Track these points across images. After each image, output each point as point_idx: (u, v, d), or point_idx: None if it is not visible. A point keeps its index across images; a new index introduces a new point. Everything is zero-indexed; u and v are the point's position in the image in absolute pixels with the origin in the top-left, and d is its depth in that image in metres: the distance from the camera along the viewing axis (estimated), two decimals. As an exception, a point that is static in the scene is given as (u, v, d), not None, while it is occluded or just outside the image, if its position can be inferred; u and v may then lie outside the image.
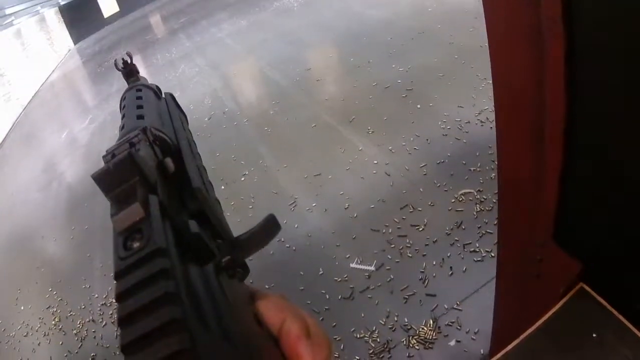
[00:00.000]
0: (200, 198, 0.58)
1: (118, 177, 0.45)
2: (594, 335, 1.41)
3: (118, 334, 0.35)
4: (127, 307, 0.36)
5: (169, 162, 0.56)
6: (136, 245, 0.41)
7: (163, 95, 0.92)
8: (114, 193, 0.45)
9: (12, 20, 16.98)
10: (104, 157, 0.52)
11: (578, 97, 1.25)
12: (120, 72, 0.96)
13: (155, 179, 0.49)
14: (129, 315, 0.36)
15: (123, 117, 0.76)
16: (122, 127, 0.71)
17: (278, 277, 3.80)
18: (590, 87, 1.22)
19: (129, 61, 0.96)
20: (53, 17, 23.64)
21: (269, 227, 0.61)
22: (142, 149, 0.55)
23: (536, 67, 1.31)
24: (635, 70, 1.09)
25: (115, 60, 0.96)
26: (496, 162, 1.73)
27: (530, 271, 1.70)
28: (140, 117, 0.74)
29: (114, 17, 26.85)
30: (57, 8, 24.46)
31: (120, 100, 0.85)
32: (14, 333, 4.85)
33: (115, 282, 0.39)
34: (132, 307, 0.36)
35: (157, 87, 0.95)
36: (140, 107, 0.78)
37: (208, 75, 9.62)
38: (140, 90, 0.87)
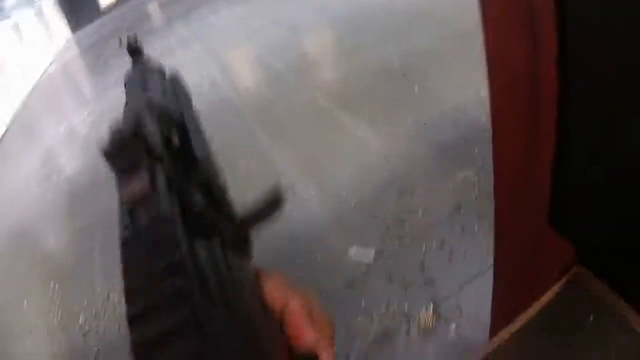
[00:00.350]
0: (204, 171, 0.60)
1: (124, 149, 0.46)
2: (591, 318, 1.42)
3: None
4: (133, 278, 0.38)
5: (174, 133, 0.57)
6: (142, 214, 0.42)
7: (168, 75, 0.93)
8: (120, 165, 0.47)
9: (10, 13, 16.99)
10: (109, 127, 0.52)
11: (572, 84, 1.25)
12: (122, 57, 0.98)
13: (161, 150, 0.49)
14: (135, 287, 0.37)
15: (127, 92, 0.78)
16: (127, 103, 0.72)
17: (275, 265, 3.77)
18: (584, 73, 1.23)
19: (133, 41, 0.97)
20: (51, 8, 23.63)
21: (274, 200, 0.63)
22: (147, 121, 0.54)
23: (531, 54, 1.31)
24: (629, 57, 1.09)
25: (120, 39, 0.99)
26: (493, 146, 1.72)
27: (527, 256, 1.73)
28: (144, 89, 0.76)
29: (111, 6, 26.84)
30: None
31: (124, 80, 0.86)
32: (17, 329, 4.85)
33: (120, 250, 0.40)
34: (137, 278, 0.38)
35: (161, 65, 0.96)
36: (145, 81, 0.80)
37: (206, 62, 9.60)
38: (145, 71, 0.88)
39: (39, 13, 21.42)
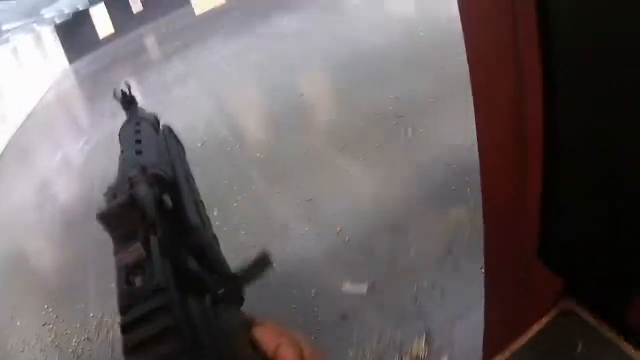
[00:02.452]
0: (198, 236, 0.63)
1: (120, 217, 0.52)
2: (579, 348, 1.47)
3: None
4: (132, 339, 0.43)
5: (167, 199, 0.62)
6: (138, 281, 0.47)
7: (161, 127, 0.96)
8: (117, 232, 0.52)
9: (8, 37, 16.96)
10: (104, 194, 0.58)
11: (557, 122, 1.32)
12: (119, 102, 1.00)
13: (154, 217, 0.55)
14: (134, 347, 0.42)
15: (122, 151, 0.81)
16: (122, 160, 0.77)
17: (270, 300, 3.80)
18: (568, 100, 1.29)
19: (127, 92, 0.99)
20: (49, 36, 23.56)
21: (262, 263, 0.66)
22: (141, 188, 0.60)
23: (515, 85, 1.37)
24: (616, 92, 1.16)
25: (114, 90, 0.99)
26: (484, 185, 1.80)
27: (517, 288, 1.76)
28: (138, 152, 0.78)
29: (109, 38, 26.80)
30: (52, 27, 24.41)
31: (119, 132, 0.90)
32: (10, 348, 4.86)
33: (120, 315, 0.45)
34: (136, 339, 0.42)
35: (155, 117, 0.99)
36: (138, 141, 0.83)
37: (201, 99, 9.66)
38: (138, 123, 0.91)
39: (38, 39, 21.37)
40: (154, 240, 0.51)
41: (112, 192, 0.59)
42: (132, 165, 0.70)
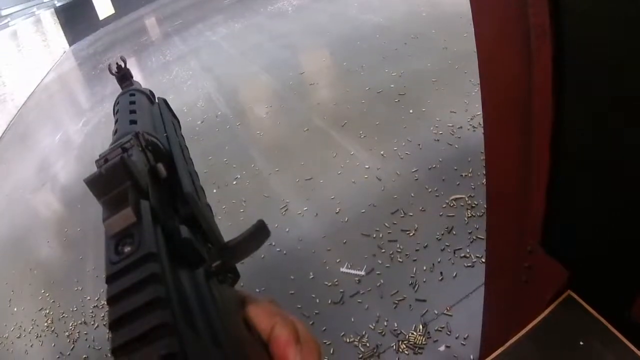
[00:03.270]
0: (191, 203, 0.59)
1: (110, 181, 0.46)
2: (581, 342, 1.41)
3: (109, 336, 0.36)
4: (118, 310, 0.37)
5: (160, 167, 0.57)
6: (127, 249, 0.42)
7: (156, 100, 0.93)
8: (106, 198, 0.46)
9: (8, 21, 16.96)
10: (96, 161, 0.53)
11: (565, 106, 1.26)
12: (114, 76, 0.97)
13: (146, 184, 0.49)
14: (120, 319, 0.37)
15: (116, 121, 0.77)
16: (115, 132, 0.72)
17: (268, 280, 3.80)
18: (577, 95, 1.23)
19: (122, 65, 0.96)
20: (49, 19, 23.60)
21: (259, 233, 0.61)
22: (134, 154, 0.56)
23: (525, 76, 1.31)
24: (621, 79, 1.10)
25: (109, 65, 0.97)
26: (486, 169, 1.74)
27: (519, 278, 1.70)
28: (133, 122, 0.75)
29: (109, 19, 26.82)
30: (52, 10, 24.42)
31: (114, 105, 0.86)
32: (7, 334, 4.84)
33: (106, 285, 0.39)
34: (122, 311, 0.37)
35: (150, 91, 0.95)
36: (133, 112, 0.79)
37: (202, 78, 9.63)
38: (133, 95, 0.87)
39: (37, 22, 21.40)
40: (145, 207, 0.45)
41: (103, 159, 0.54)
42: (126, 133, 0.66)
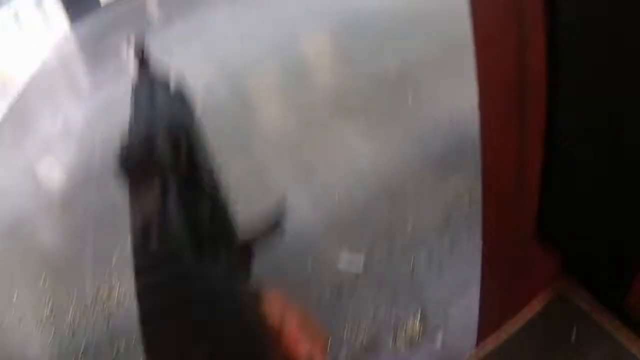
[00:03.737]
0: (210, 182, 0.60)
1: (139, 168, 0.48)
2: (574, 336, 1.43)
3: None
4: (150, 307, 0.38)
5: (182, 148, 0.60)
6: (154, 240, 0.43)
7: (175, 86, 0.94)
8: (135, 183, 0.47)
9: (9, 2, 16.96)
10: (121, 148, 0.55)
11: (560, 91, 1.27)
12: (126, 58, 0.99)
13: (171, 171, 0.51)
14: (151, 314, 0.38)
15: (134, 102, 0.79)
16: (133, 119, 0.74)
17: (265, 272, 3.81)
18: (572, 79, 1.24)
19: (142, 51, 0.98)
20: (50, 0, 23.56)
21: (276, 219, 0.63)
22: (158, 135, 0.57)
23: (519, 60, 1.32)
24: (618, 68, 1.11)
25: (128, 37, 0.99)
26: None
27: (514, 269, 1.73)
28: (152, 100, 0.77)
29: (110, 1, 26.75)
30: (53, -10, 24.37)
31: (134, 90, 0.88)
32: (6, 321, 4.86)
33: (135, 275, 0.40)
34: (155, 308, 0.38)
35: (168, 75, 0.97)
36: (152, 91, 0.81)
37: (203, 62, 9.59)
38: (152, 76, 0.89)
39: (39, 3, 21.38)
40: (171, 188, 0.46)
41: (129, 141, 0.55)
42: (150, 121, 0.68)
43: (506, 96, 1.45)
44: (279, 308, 0.57)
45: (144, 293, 0.36)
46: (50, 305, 4.74)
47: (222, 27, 11.41)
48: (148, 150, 0.43)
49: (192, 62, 9.80)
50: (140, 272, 0.36)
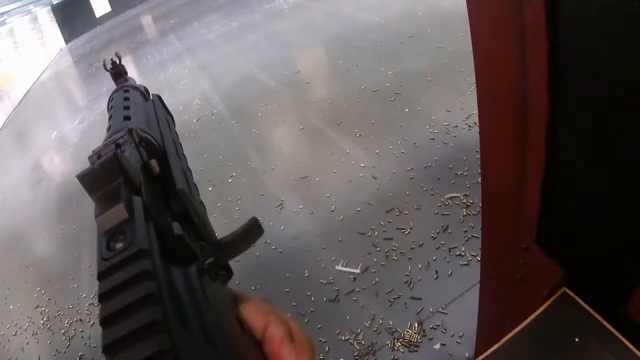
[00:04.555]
0: (184, 200, 0.57)
1: (103, 177, 0.46)
2: (577, 339, 1.41)
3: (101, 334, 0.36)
4: (109, 308, 0.37)
5: (153, 163, 0.57)
6: (119, 246, 0.41)
7: (150, 97, 0.93)
8: (99, 193, 0.46)
9: (5, 19, 16.96)
10: (89, 157, 0.53)
11: (561, 105, 1.26)
12: (109, 73, 0.97)
13: (139, 180, 0.49)
14: (111, 316, 0.36)
15: (110, 117, 0.77)
16: (109, 128, 0.72)
17: (263, 278, 3.81)
18: (573, 93, 1.23)
19: (117, 62, 0.96)
20: (45, 17, 23.57)
21: (252, 231, 0.61)
22: (127, 150, 0.56)
23: (520, 74, 1.32)
24: (618, 77, 1.10)
25: (104, 61, 0.97)
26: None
27: (514, 275, 1.71)
28: (126, 118, 0.75)
29: (105, 17, 26.78)
30: (49, 7, 24.39)
31: (108, 101, 0.87)
32: (2, 332, 4.84)
33: (98, 282, 0.39)
34: (113, 308, 0.37)
35: (145, 88, 0.96)
36: (127, 108, 0.79)
37: (197, 77, 9.62)
38: (127, 91, 0.87)
39: (34, 20, 21.39)
40: (137, 203, 0.45)
41: (96, 154, 0.54)
42: (120, 129, 0.66)
43: (507, 110, 1.45)
44: (261, 316, 0.54)
45: (105, 296, 0.35)
46: (46, 314, 4.74)
47: (217, 44, 11.43)
48: (115, 164, 0.42)
49: (186, 78, 9.83)
50: (101, 277, 0.35)
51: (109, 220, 0.44)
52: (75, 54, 21.01)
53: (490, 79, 1.49)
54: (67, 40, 25.40)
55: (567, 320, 1.47)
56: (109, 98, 0.88)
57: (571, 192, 1.41)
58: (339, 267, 3.64)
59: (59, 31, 25.23)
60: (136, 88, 0.92)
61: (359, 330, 3.16)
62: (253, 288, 3.71)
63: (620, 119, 1.16)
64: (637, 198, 1.23)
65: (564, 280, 1.50)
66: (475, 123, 4.48)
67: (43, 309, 4.84)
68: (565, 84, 1.23)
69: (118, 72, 0.97)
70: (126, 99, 0.84)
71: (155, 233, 0.46)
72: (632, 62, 1.06)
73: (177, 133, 0.86)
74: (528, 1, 1.19)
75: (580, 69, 1.19)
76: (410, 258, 3.49)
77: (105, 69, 0.97)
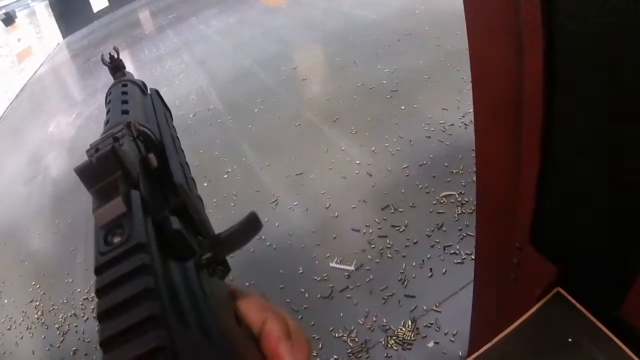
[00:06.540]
0: (182, 194, 0.58)
1: (101, 171, 0.46)
2: (570, 339, 1.41)
3: (99, 328, 0.36)
4: (107, 302, 0.37)
5: (152, 157, 0.57)
6: (117, 240, 0.42)
7: (148, 91, 0.93)
8: (96, 187, 0.46)
9: (2, 12, 16.93)
10: (87, 151, 0.53)
11: (556, 104, 1.26)
12: (106, 67, 0.97)
13: (137, 174, 0.49)
14: (108, 311, 0.36)
15: (108, 111, 0.77)
16: (107, 122, 0.72)
17: (258, 275, 3.81)
18: (568, 93, 1.23)
19: (115, 56, 0.96)
20: (43, 11, 23.49)
21: (250, 225, 0.60)
22: (125, 143, 0.55)
23: (516, 74, 1.32)
24: (615, 77, 1.11)
25: (102, 55, 0.96)
26: (476, 165, 1.74)
27: (508, 274, 1.70)
28: (125, 112, 0.74)
29: (103, 12, 26.71)
30: (47, 2, 24.32)
31: (106, 95, 0.86)
32: (-3, 327, 4.85)
33: (95, 276, 0.39)
34: (111, 303, 0.37)
35: (142, 82, 0.95)
36: (125, 102, 0.79)
37: (194, 72, 9.61)
38: (125, 85, 0.87)
39: (32, 15, 21.34)
40: (135, 197, 0.45)
41: (94, 148, 0.54)
42: (118, 122, 0.65)
43: (502, 109, 1.45)
44: (258, 312, 0.53)
45: (102, 291, 0.34)
46: (40, 308, 4.73)
47: (214, 39, 11.42)
48: (113, 158, 0.42)
49: (183, 73, 9.81)
50: (98, 271, 0.35)
51: (106, 214, 0.44)
52: (73, 48, 20.95)
53: (486, 78, 1.48)
54: (64, 35, 25.33)
55: (560, 320, 1.47)
56: (107, 92, 0.88)
57: (566, 192, 1.41)
58: (333, 264, 3.65)
59: (56, 26, 25.15)
60: (134, 82, 0.92)
61: (352, 328, 3.17)
62: (247, 284, 3.70)
63: (615, 119, 1.16)
64: (631, 198, 1.23)
65: (558, 280, 1.50)
66: (471, 122, 4.47)
67: (37, 303, 4.84)
68: (561, 84, 1.23)
69: (116, 67, 0.96)
70: (124, 93, 0.84)
71: (153, 227, 0.46)
72: (627, 62, 1.06)
73: (174, 127, 0.85)
74: (524, 0, 1.18)
75: (576, 69, 1.19)
76: (405, 256, 3.50)
77: (104, 62, 0.97)
